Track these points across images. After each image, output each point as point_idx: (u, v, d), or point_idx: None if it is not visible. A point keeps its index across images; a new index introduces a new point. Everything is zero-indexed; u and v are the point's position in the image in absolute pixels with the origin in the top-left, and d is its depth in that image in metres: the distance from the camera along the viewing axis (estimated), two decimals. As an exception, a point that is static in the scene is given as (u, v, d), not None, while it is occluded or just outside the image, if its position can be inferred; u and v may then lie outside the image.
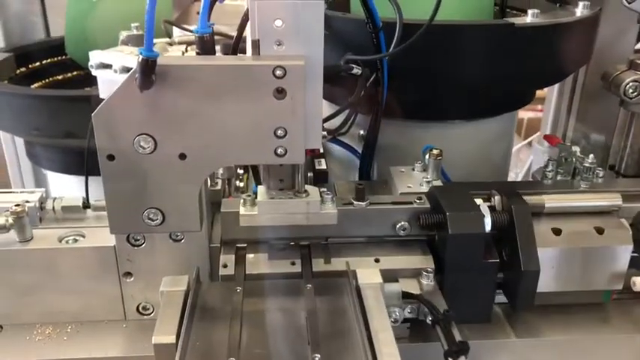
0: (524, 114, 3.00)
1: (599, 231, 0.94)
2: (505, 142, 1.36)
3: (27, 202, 0.92)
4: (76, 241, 0.91)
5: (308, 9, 0.74)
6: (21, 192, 0.98)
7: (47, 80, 1.72)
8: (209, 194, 0.95)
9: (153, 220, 0.83)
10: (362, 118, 1.18)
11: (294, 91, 0.75)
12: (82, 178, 1.03)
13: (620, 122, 1.29)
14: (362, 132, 1.21)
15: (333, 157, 1.30)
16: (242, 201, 0.86)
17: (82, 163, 1.01)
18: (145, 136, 0.77)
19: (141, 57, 0.70)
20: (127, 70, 1.08)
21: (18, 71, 1.67)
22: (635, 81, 1.15)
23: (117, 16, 1.64)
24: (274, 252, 0.92)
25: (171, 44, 1.26)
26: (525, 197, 0.94)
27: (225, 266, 0.90)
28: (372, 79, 1.07)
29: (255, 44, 0.76)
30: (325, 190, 0.88)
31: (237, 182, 1.23)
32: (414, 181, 1.04)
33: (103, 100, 0.76)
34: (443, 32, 1.05)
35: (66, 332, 0.91)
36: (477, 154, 1.28)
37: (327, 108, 1.06)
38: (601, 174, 1.07)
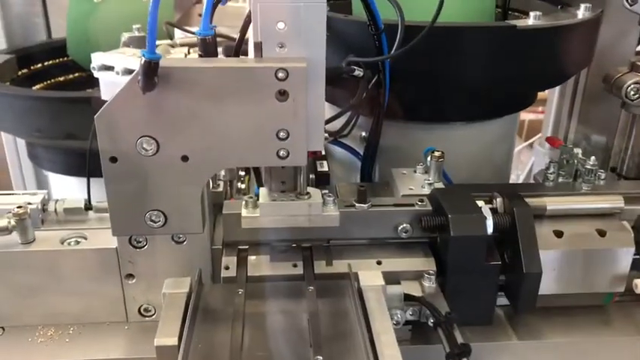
0: (526, 115, 3.00)
1: (601, 233, 0.94)
2: (507, 144, 1.36)
3: (29, 203, 0.92)
4: (78, 242, 0.91)
5: (310, 11, 0.74)
6: (23, 194, 0.98)
7: (49, 82, 1.73)
8: (211, 196, 0.95)
9: (155, 222, 0.83)
10: (363, 120, 1.18)
11: (296, 93, 0.75)
12: (84, 180, 1.03)
13: (622, 124, 1.29)
14: (363, 134, 1.21)
15: (334, 159, 1.30)
16: (244, 203, 0.86)
17: (84, 165, 1.01)
18: (147, 138, 0.77)
19: (143, 59, 0.70)
20: (129, 71, 1.09)
21: (20, 73, 1.68)
22: (636, 83, 1.15)
23: (118, 18, 1.65)
24: (276, 254, 0.92)
25: (173, 46, 1.26)
26: (527, 199, 0.94)
27: (227, 268, 0.90)
28: (373, 80, 1.07)
29: (258, 46, 0.76)
30: (327, 192, 0.88)
31: (239, 184, 1.23)
32: (416, 183, 1.04)
33: (105, 101, 0.77)
34: (445, 34, 1.05)
35: (68, 334, 0.91)
36: (478, 156, 1.28)
37: (328, 110, 1.06)
38: (603, 176, 1.07)
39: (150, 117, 0.76)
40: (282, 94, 0.75)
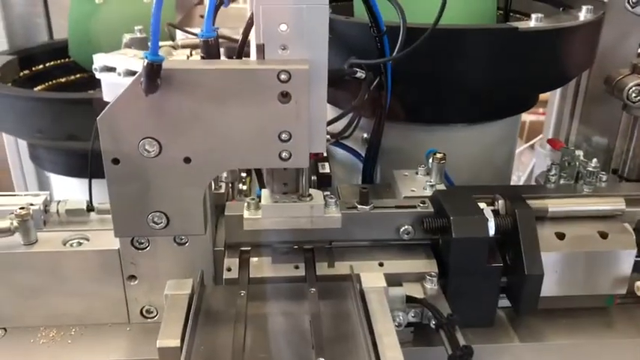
0: (526, 117, 3.00)
1: (603, 235, 0.94)
2: (508, 145, 1.36)
3: (31, 205, 0.92)
4: (80, 244, 0.91)
5: (312, 13, 0.74)
6: (25, 195, 0.98)
7: (50, 83, 1.73)
8: (213, 197, 0.95)
9: (157, 224, 0.83)
10: (365, 122, 1.18)
11: (298, 95, 0.75)
12: (85, 181, 1.03)
13: (623, 126, 1.29)
14: (365, 135, 1.21)
15: (336, 160, 1.30)
16: (246, 204, 0.86)
17: (85, 166, 1.01)
18: (149, 139, 0.77)
19: (146, 61, 0.70)
20: (130, 73, 1.09)
21: (21, 74, 1.68)
22: (638, 85, 1.15)
23: (120, 19, 1.65)
24: (278, 256, 0.92)
25: (175, 48, 1.26)
26: (529, 201, 0.94)
27: (229, 270, 0.90)
28: (375, 82, 1.07)
29: (260, 48, 0.76)
30: (329, 193, 0.88)
31: (241, 185, 1.23)
32: (418, 185, 1.04)
33: (107, 102, 0.77)
34: (446, 36, 1.05)
35: (70, 335, 0.91)
36: (480, 158, 1.28)
37: (330, 111, 1.06)
38: (604, 178, 1.07)
39: (152, 119, 0.76)
40: (285, 96, 0.75)
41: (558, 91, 1.68)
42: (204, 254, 0.90)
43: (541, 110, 2.49)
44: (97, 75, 1.14)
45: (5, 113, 1.41)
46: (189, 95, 0.75)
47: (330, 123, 1.04)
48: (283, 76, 0.74)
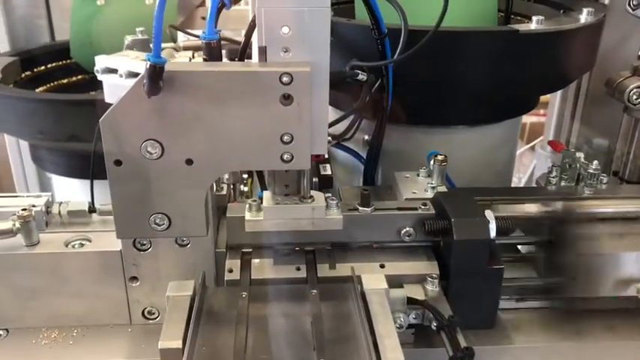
0: (527, 118, 2.99)
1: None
2: (509, 147, 1.36)
3: (33, 206, 0.93)
4: (82, 245, 0.91)
5: (314, 16, 0.74)
6: (27, 196, 0.98)
7: (52, 84, 1.73)
8: (215, 199, 0.95)
9: (159, 225, 0.83)
10: (366, 124, 1.18)
11: (300, 97, 0.75)
12: (86, 182, 1.03)
13: (624, 128, 1.29)
14: (366, 137, 1.22)
15: (337, 162, 1.31)
16: (247, 206, 0.86)
17: (87, 167, 1.02)
18: (152, 141, 0.77)
19: (149, 63, 0.70)
20: (132, 74, 1.09)
21: (23, 75, 1.68)
22: (639, 87, 1.15)
23: (122, 21, 1.65)
24: (279, 257, 0.92)
25: (176, 49, 1.27)
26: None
27: (230, 271, 0.90)
28: (377, 84, 1.07)
29: (262, 51, 0.76)
30: (330, 195, 0.88)
31: (242, 187, 1.23)
32: (419, 187, 1.04)
33: (108, 104, 0.77)
34: (448, 38, 1.05)
35: (71, 336, 0.91)
36: (481, 160, 1.28)
37: (331, 113, 1.06)
38: (605, 180, 1.07)
39: (155, 121, 0.76)
40: (287, 98, 0.75)
41: (559, 93, 1.69)
42: (205, 256, 0.90)
43: (542, 112, 2.49)
44: (99, 76, 1.15)
45: (7, 114, 1.41)
46: (191, 97, 0.75)
47: (331, 125, 1.04)
48: (285, 79, 0.74)
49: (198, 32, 1.31)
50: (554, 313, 0.98)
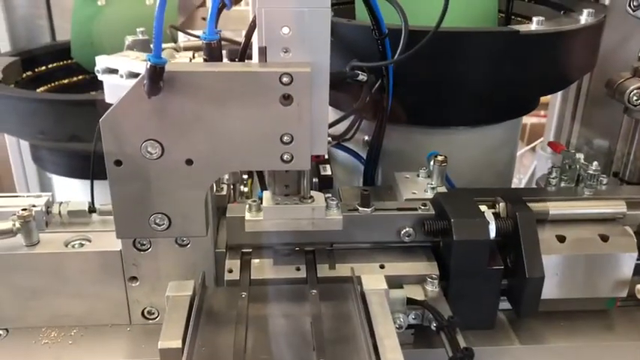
0: (527, 119, 3.00)
1: (604, 238, 0.94)
2: (509, 148, 1.36)
3: (33, 206, 0.93)
4: (82, 245, 0.91)
5: (314, 16, 0.74)
6: (27, 196, 0.99)
7: (53, 84, 1.73)
8: (215, 199, 0.95)
9: (159, 225, 0.83)
10: (367, 124, 1.18)
11: (300, 97, 0.75)
12: (87, 182, 1.03)
13: (624, 129, 1.29)
14: (367, 138, 1.22)
15: (337, 162, 1.31)
16: (247, 206, 0.87)
17: (87, 167, 1.02)
18: (152, 141, 0.77)
19: (149, 63, 0.70)
20: (133, 74, 1.09)
21: (24, 75, 1.68)
22: (639, 88, 1.15)
23: (122, 21, 1.66)
24: (279, 257, 0.93)
25: (177, 50, 1.27)
26: (530, 204, 0.94)
27: (230, 271, 0.90)
28: (377, 85, 1.07)
29: (262, 51, 0.76)
30: (330, 195, 0.88)
31: (242, 187, 1.24)
32: (419, 187, 1.04)
33: (109, 104, 0.77)
34: (448, 39, 1.05)
35: (71, 336, 0.91)
36: (481, 161, 1.28)
37: (332, 114, 1.06)
38: (605, 181, 1.07)
39: (155, 121, 0.76)
40: (287, 99, 0.75)
41: (559, 93, 1.69)
42: (205, 256, 0.90)
43: (542, 113, 2.49)
44: (100, 77, 1.15)
45: (8, 114, 1.41)
46: (191, 97, 0.75)
47: (331, 125, 1.04)
48: (285, 79, 0.74)
49: (199, 33, 1.31)
50: (553, 313, 0.98)
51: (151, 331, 0.90)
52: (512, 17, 1.44)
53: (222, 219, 0.97)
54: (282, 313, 0.83)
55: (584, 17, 1.19)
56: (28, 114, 1.39)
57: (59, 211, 0.97)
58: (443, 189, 1.03)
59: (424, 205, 0.94)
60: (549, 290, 0.92)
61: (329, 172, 1.15)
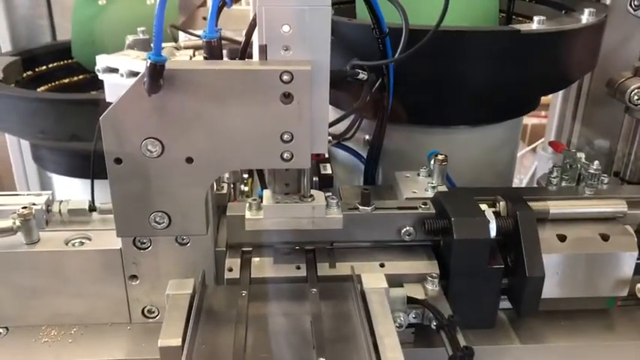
0: (529, 120, 3.00)
1: (604, 237, 0.94)
2: (510, 148, 1.36)
3: (34, 204, 0.93)
4: (82, 243, 0.91)
5: (315, 14, 0.74)
6: (28, 194, 0.98)
7: (53, 83, 1.74)
8: (215, 198, 0.95)
9: (159, 224, 0.83)
10: (367, 123, 1.18)
11: (300, 95, 0.75)
12: (87, 181, 1.03)
13: (625, 129, 1.29)
14: (367, 137, 1.22)
15: (337, 161, 1.31)
16: (248, 205, 0.87)
17: (88, 166, 1.02)
18: (152, 139, 0.77)
19: (149, 61, 0.70)
20: (133, 74, 1.09)
21: (25, 74, 1.68)
22: (640, 88, 1.15)
23: (123, 20, 1.66)
24: (279, 256, 0.92)
25: (177, 49, 1.27)
26: (530, 203, 0.94)
27: (230, 270, 0.90)
28: (377, 84, 1.07)
29: (263, 49, 0.76)
30: (330, 194, 0.88)
31: (242, 186, 1.24)
32: (419, 187, 1.04)
33: (109, 103, 0.77)
34: (449, 38, 1.05)
35: (71, 334, 0.91)
36: (482, 160, 1.28)
37: (332, 113, 1.06)
38: (606, 180, 1.07)
39: (155, 119, 0.76)
40: (287, 97, 0.75)
41: (560, 93, 1.69)
42: (205, 254, 0.90)
43: (543, 113, 2.49)
44: (100, 76, 1.15)
45: (8, 114, 1.41)
46: (191, 95, 0.75)
47: (332, 124, 1.04)
48: (286, 77, 0.74)
49: (199, 32, 1.31)
50: (553, 313, 0.98)
51: (151, 330, 0.90)
52: (513, 17, 1.44)
53: (222, 218, 0.97)
54: (282, 312, 0.83)
55: (585, 17, 1.19)
56: (28, 113, 1.39)
57: (59, 210, 0.97)
58: (443, 188, 1.03)
59: (424, 204, 0.94)
60: (550, 289, 0.92)
61: (329, 171, 1.15)
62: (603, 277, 0.94)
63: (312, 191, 0.87)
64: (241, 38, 0.94)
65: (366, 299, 0.82)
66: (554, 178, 1.09)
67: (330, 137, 1.06)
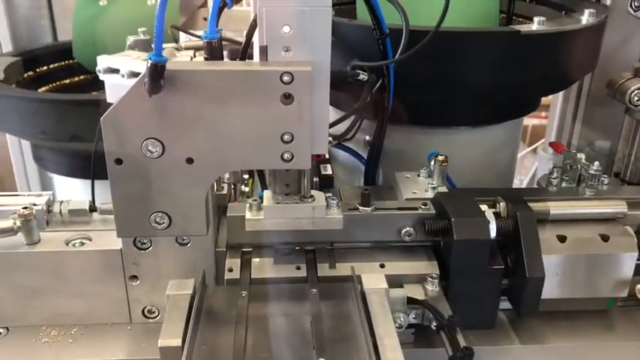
0: (529, 121, 3.00)
1: (604, 238, 0.94)
2: (510, 148, 1.36)
3: (34, 205, 0.93)
4: (82, 244, 0.91)
5: (316, 15, 0.75)
6: (28, 195, 0.99)
7: (54, 84, 1.74)
8: (215, 198, 0.95)
9: (159, 224, 0.84)
10: (367, 124, 1.18)
11: (301, 96, 0.75)
12: (88, 182, 1.03)
13: (625, 130, 1.29)
14: (367, 137, 1.22)
15: (337, 162, 1.31)
16: (248, 205, 0.87)
17: (88, 167, 1.02)
18: (152, 140, 0.77)
19: (150, 62, 0.71)
20: (134, 74, 1.09)
21: (25, 75, 1.68)
22: (640, 89, 1.15)
23: (124, 21, 1.66)
24: (280, 256, 0.93)
25: (178, 49, 1.27)
26: (530, 204, 0.94)
27: (230, 270, 0.90)
28: (378, 85, 1.07)
29: (263, 50, 0.76)
30: (331, 195, 0.88)
31: (243, 187, 1.24)
32: (420, 187, 1.04)
33: (110, 104, 0.77)
34: (449, 39, 1.05)
35: (71, 334, 0.91)
36: (482, 161, 1.28)
37: (332, 113, 1.07)
38: (606, 181, 1.07)
39: (155, 119, 0.76)
40: (287, 98, 0.75)
41: (561, 94, 1.69)
42: (206, 255, 0.90)
43: (543, 114, 2.49)
44: (101, 76, 1.15)
45: (9, 114, 1.41)
46: (192, 96, 0.75)
47: (332, 125, 1.04)
48: (286, 78, 0.74)
49: (200, 33, 1.31)
50: (553, 313, 0.98)
51: (152, 330, 0.90)
52: (514, 17, 1.44)
53: (222, 218, 0.97)
54: (282, 312, 0.83)
55: (586, 17, 1.19)
56: (29, 114, 1.39)
57: (60, 210, 0.97)
58: (443, 189, 1.03)
59: (425, 204, 0.94)
60: (550, 290, 0.92)
61: (329, 172, 1.15)
62: (603, 277, 0.94)
63: (313, 192, 0.88)
64: (242, 39, 0.94)
65: (366, 300, 0.82)
66: (554, 178, 1.09)
67: (330, 138, 1.06)
